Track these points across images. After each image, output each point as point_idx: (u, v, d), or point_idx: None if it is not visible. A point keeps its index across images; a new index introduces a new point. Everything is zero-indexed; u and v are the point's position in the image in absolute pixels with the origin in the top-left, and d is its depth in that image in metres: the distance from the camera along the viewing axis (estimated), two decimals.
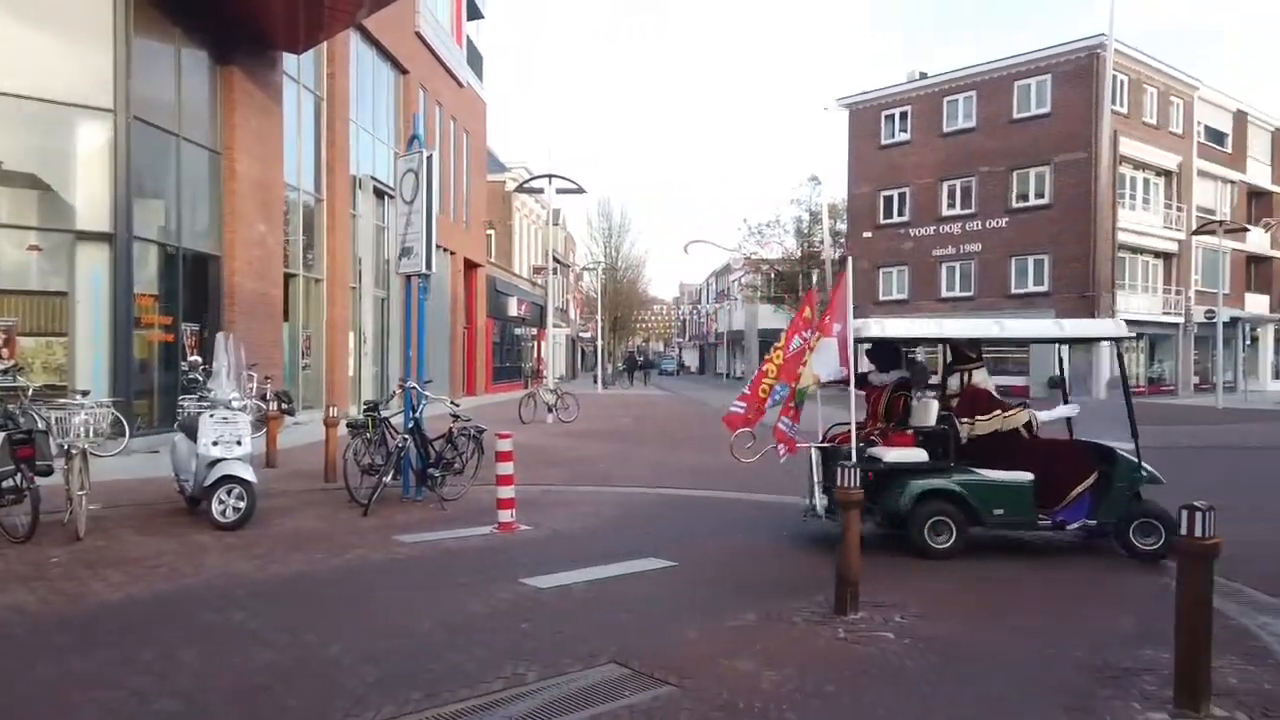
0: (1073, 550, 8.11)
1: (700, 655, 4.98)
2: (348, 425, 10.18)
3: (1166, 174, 38.26)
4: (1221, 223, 36.65)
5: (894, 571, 6.94)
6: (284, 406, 14.46)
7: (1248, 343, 42.34)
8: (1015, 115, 36.29)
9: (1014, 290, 36.23)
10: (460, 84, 29.97)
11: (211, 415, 8.48)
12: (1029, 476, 7.65)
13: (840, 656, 5.01)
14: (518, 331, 42.07)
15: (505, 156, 45.69)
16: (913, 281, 39.48)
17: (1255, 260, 44.32)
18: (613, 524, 9.05)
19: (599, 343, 46.72)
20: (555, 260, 47.86)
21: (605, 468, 13.54)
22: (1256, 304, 43.65)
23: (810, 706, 4.29)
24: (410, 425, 9.77)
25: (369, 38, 22.19)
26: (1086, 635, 5.49)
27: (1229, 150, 42.32)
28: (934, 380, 8.87)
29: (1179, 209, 38.42)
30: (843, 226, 46.65)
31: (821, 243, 48.10)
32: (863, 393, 8.57)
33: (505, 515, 8.48)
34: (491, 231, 40.28)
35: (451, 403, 10.97)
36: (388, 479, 9.48)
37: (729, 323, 67.02)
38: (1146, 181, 37.54)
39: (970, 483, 7.59)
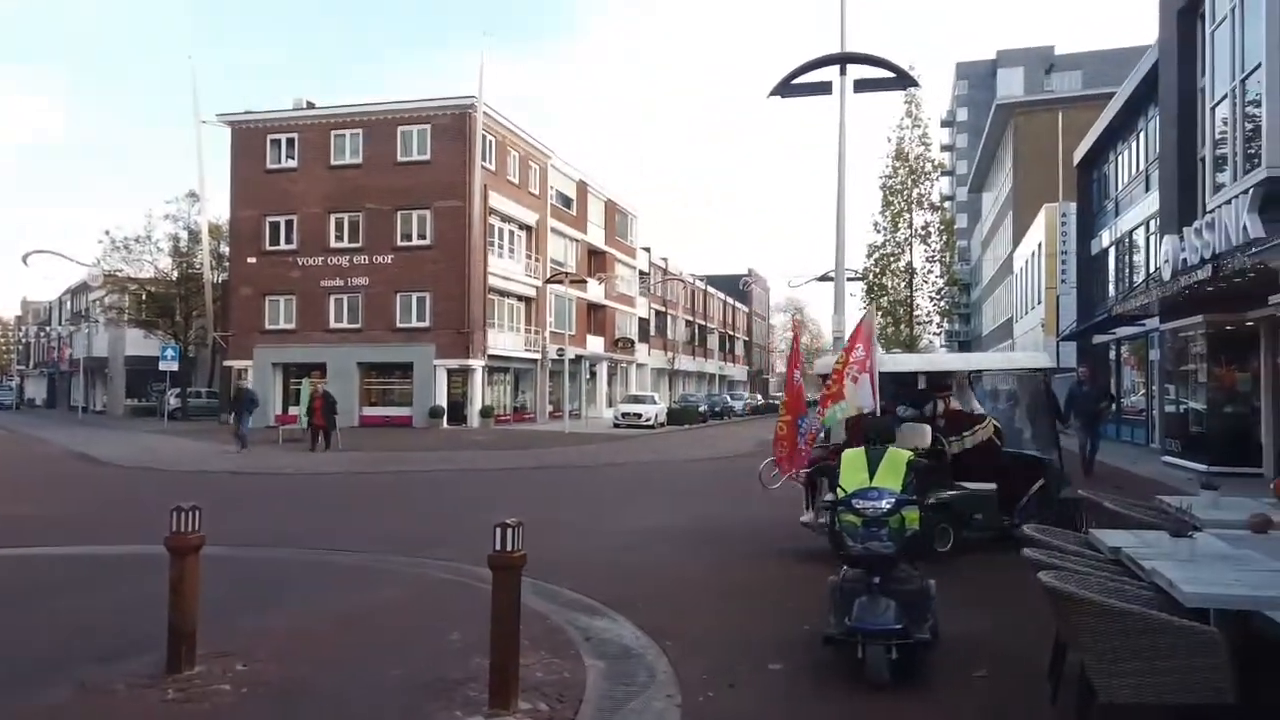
0: (413, 574, 8.60)
1: None
2: None
3: (527, 228, 43.67)
4: (568, 274, 43.09)
5: (241, 616, 6.60)
6: None
7: (589, 376, 50.37)
8: (400, 158, 38.11)
9: (399, 324, 37.80)
10: None
11: None
12: (993, 486, 8.99)
13: None
14: None
15: None
16: (300, 311, 38.72)
17: (593, 307, 52.86)
18: None
19: None
20: None
21: None
22: (595, 344, 52.06)
23: None
24: None
25: None
26: (430, 654, 5.83)
27: (574, 213, 50.00)
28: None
29: (537, 259, 44.11)
30: (227, 249, 43.86)
31: (202, 264, 44.63)
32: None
33: None
34: None
35: None
36: None
37: (88, 348, 58.04)
38: (512, 233, 42.37)
39: (958, 495, 8.79)
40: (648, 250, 64.49)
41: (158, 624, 5.48)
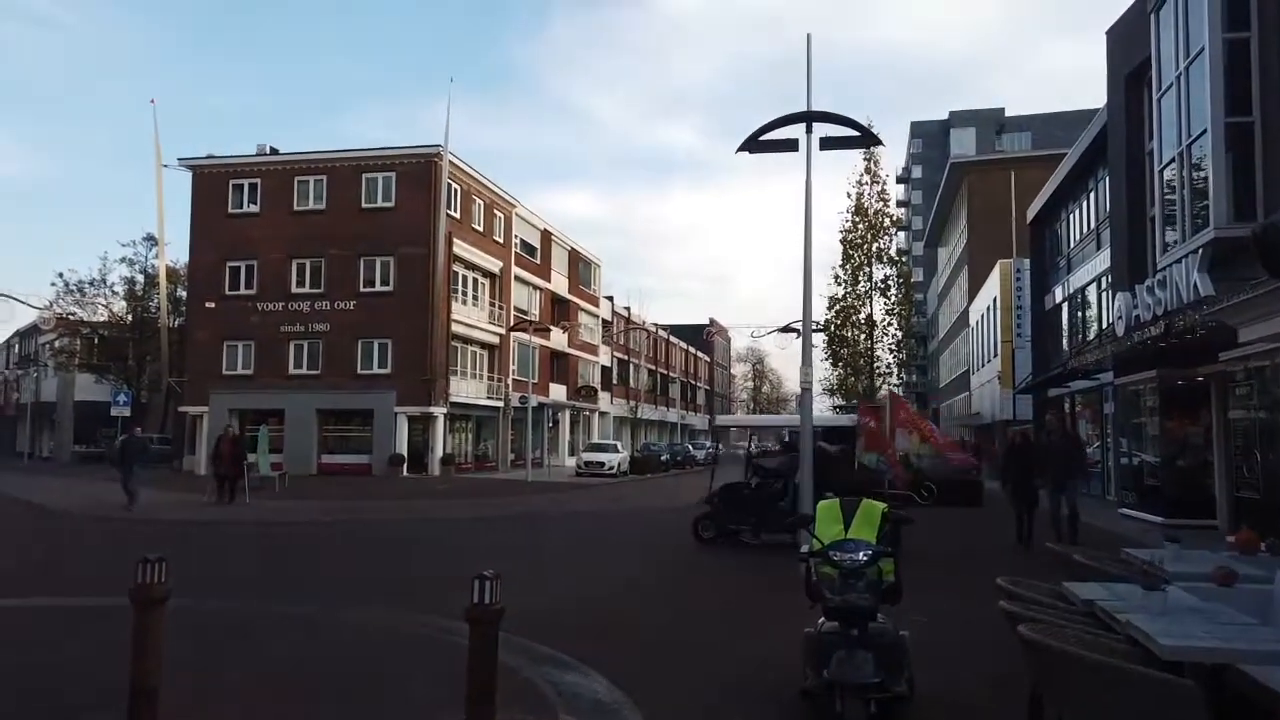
0: (378, 626, 8.42)
1: None
2: None
3: (491, 276, 43.71)
4: (532, 323, 43.10)
5: (203, 671, 6.39)
6: None
7: (551, 425, 50.12)
8: (364, 204, 38.09)
9: (360, 371, 37.42)
10: None
11: None
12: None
13: None
14: None
15: None
16: (259, 357, 38.20)
17: (557, 355, 52.83)
18: None
19: None
20: None
21: None
22: (558, 392, 51.90)
23: None
24: None
25: None
26: (401, 710, 5.69)
27: (538, 262, 50.19)
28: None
29: (500, 307, 44.10)
30: (184, 293, 43.29)
31: (158, 308, 43.95)
32: None
33: None
34: None
35: None
36: None
37: (36, 393, 56.50)
38: (475, 281, 42.37)
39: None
40: (610, 299, 64.83)
41: (117, 679, 5.29)
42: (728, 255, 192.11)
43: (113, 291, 47.32)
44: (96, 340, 47.74)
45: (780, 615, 8.65)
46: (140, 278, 47.04)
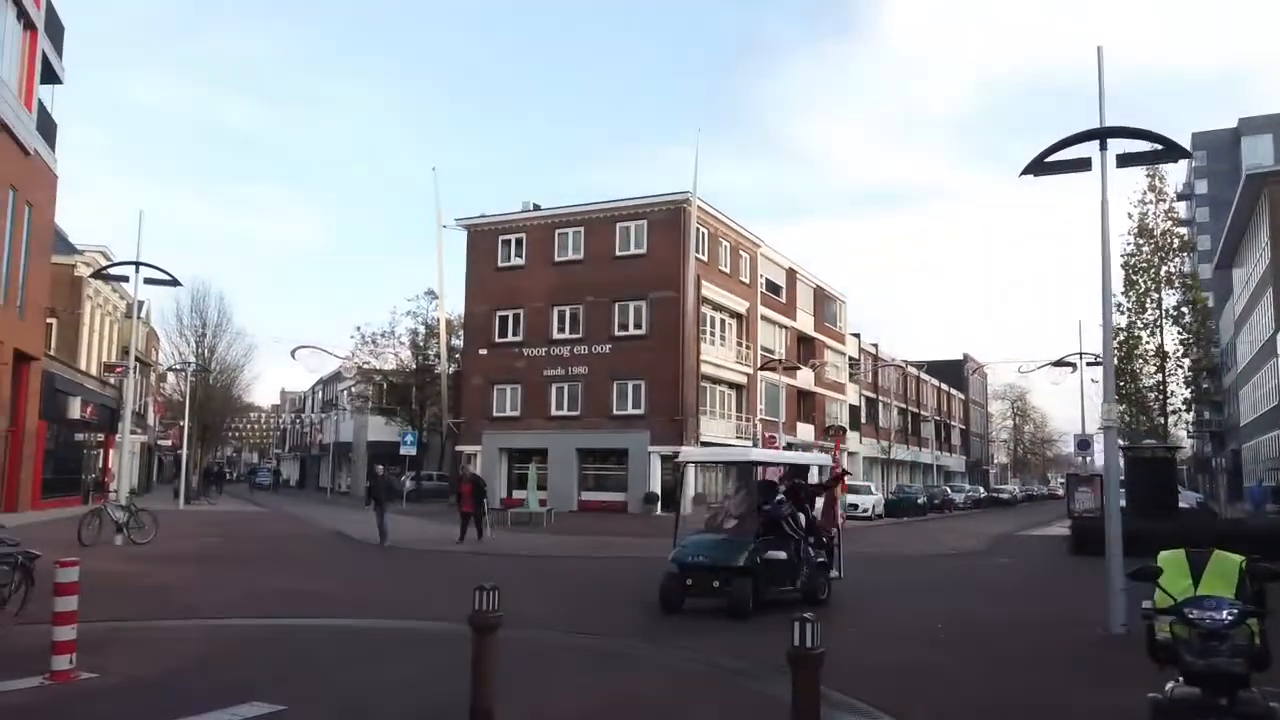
0: (663, 661, 8.52)
1: None
2: None
3: (738, 316, 44.10)
4: (780, 361, 42.88)
5: (510, 695, 6.77)
6: None
7: None
8: (618, 252, 39.85)
9: (615, 411, 38.89)
10: (26, 151, 25.92)
11: None
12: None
13: None
14: (79, 437, 36.16)
15: (79, 237, 40.03)
16: (525, 399, 40.78)
17: (803, 394, 52.23)
18: (201, 664, 7.84)
19: (183, 452, 41.56)
20: (136, 359, 42.51)
21: (191, 597, 11.84)
22: (805, 431, 51.18)
23: None
24: None
25: None
26: None
27: (784, 301, 50.04)
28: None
29: (747, 347, 44.31)
30: (459, 342, 47.19)
31: (437, 356, 48.19)
32: None
33: (62, 661, 6.96)
34: (53, 321, 34.68)
35: None
36: None
37: (336, 434, 63.66)
38: (723, 321, 42.91)
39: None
40: (857, 336, 63.31)
41: (443, 696, 5.69)
42: (979, 286, 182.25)
43: (400, 342, 52.47)
44: (385, 386, 53.01)
45: (1101, 675, 7.91)
46: (422, 329, 51.83)
